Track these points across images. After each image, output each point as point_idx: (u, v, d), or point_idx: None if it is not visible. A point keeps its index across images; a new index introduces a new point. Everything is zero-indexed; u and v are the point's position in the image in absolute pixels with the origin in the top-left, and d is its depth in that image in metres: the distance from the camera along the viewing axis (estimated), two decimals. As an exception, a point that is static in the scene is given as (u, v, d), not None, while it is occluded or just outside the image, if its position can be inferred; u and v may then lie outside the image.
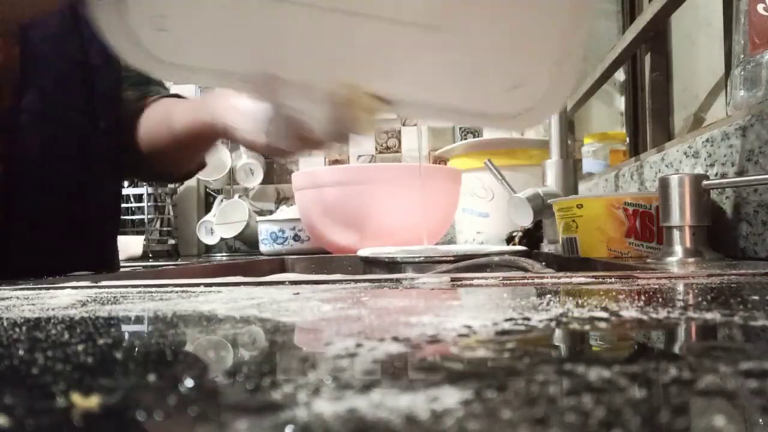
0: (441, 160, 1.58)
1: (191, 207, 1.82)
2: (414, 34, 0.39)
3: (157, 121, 0.71)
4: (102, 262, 0.70)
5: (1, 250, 0.59)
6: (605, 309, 0.23)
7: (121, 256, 0.82)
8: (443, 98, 0.44)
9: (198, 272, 0.78)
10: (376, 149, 1.74)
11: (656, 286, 0.31)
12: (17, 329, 0.21)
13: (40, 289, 0.38)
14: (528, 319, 0.21)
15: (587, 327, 0.19)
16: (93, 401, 0.12)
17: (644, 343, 0.18)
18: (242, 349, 0.18)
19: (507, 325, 0.20)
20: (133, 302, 0.29)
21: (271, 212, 1.67)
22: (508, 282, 0.35)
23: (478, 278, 0.37)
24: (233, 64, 0.43)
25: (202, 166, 0.79)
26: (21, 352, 0.17)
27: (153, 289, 0.36)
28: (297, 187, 1.16)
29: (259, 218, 1.45)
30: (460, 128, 1.69)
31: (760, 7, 0.55)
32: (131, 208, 1.73)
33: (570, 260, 0.68)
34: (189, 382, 0.13)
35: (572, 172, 0.89)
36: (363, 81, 0.43)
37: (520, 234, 0.98)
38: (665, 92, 1.09)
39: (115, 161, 0.71)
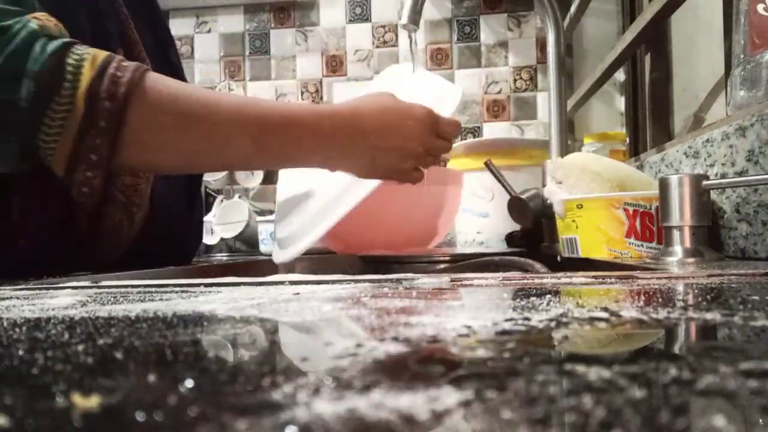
0: (441, 161, 1.58)
1: (191, 207, 1.82)
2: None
3: None
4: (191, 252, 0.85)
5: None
6: (605, 309, 0.23)
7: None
8: None
9: (198, 272, 0.78)
10: (376, 149, 1.73)
11: (656, 286, 0.31)
12: (17, 329, 0.21)
13: (40, 289, 0.38)
14: (528, 319, 0.21)
15: (587, 327, 0.19)
16: (93, 401, 0.12)
17: (644, 343, 0.18)
18: (242, 349, 0.18)
19: (507, 325, 0.20)
20: (133, 302, 0.29)
21: (271, 212, 1.67)
22: (508, 282, 0.35)
23: (478, 278, 0.37)
24: None
25: None
26: (21, 352, 0.17)
27: (153, 289, 0.36)
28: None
29: (259, 218, 1.45)
30: (461, 128, 1.69)
31: (760, 7, 0.55)
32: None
33: (570, 260, 0.68)
34: (189, 382, 0.13)
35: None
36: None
37: (520, 234, 0.98)
38: (665, 92, 1.09)
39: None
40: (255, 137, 0.55)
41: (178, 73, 0.78)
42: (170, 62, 0.76)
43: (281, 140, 0.56)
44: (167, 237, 0.72)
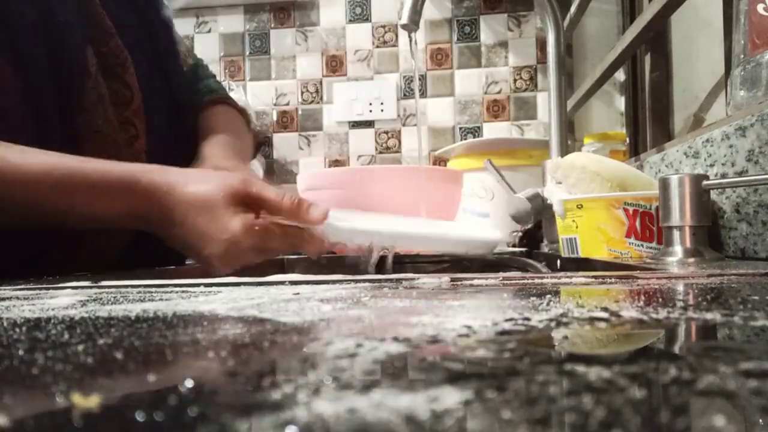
0: (441, 161, 1.58)
1: (191, 207, 1.82)
2: None
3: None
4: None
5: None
6: (605, 309, 0.23)
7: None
8: None
9: (198, 272, 0.78)
10: (376, 149, 1.74)
11: (656, 286, 0.31)
12: (17, 329, 0.21)
13: (40, 289, 0.38)
14: (528, 319, 0.21)
15: (587, 327, 0.19)
16: (93, 401, 0.12)
17: (644, 343, 0.18)
18: (242, 349, 0.18)
19: (507, 325, 0.20)
20: (133, 302, 0.29)
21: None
22: (508, 282, 0.35)
23: (478, 278, 0.37)
24: None
25: None
26: (21, 352, 0.17)
27: (153, 289, 0.36)
28: (303, 189, 1.17)
29: (259, 218, 1.45)
30: (460, 128, 1.69)
31: (760, 7, 0.55)
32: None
33: (570, 260, 0.68)
34: (189, 382, 0.13)
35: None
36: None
37: (520, 234, 0.98)
38: (665, 92, 1.09)
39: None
40: (60, 199, 0.53)
41: (168, 61, 0.76)
42: (157, 50, 0.75)
43: (89, 202, 0.54)
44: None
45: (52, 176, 0.52)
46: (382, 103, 1.70)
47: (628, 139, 1.22)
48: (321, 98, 1.74)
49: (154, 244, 0.68)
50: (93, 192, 0.53)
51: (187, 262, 0.84)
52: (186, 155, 0.77)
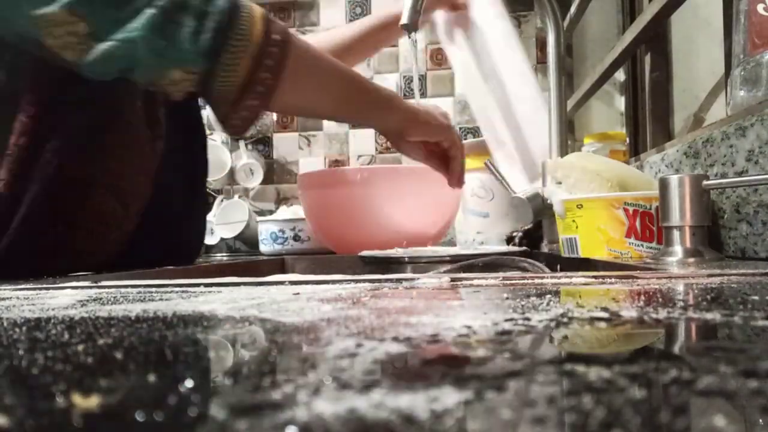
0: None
1: (191, 207, 1.81)
2: None
3: None
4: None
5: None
6: (605, 309, 0.23)
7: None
8: None
9: (198, 272, 0.78)
10: (376, 149, 1.73)
11: (656, 286, 0.31)
12: (17, 329, 0.21)
13: (40, 289, 0.38)
14: (528, 319, 0.21)
15: (587, 327, 0.19)
16: (93, 401, 0.12)
17: (644, 343, 0.18)
18: (242, 349, 0.18)
19: (507, 325, 0.20)
20: (133, 302, 0.29)
21: (271, 212, 1.67)
22: (508, 282, 0.35)
23: (478, 278, 0.37)
24: None
25: None
26: (21, 352, 0.17)
27: (153, 289, 0.36)
28: (303, 187, 1.17)
29: (259, 218, 1.45)
30: (460, 128, 1.69)
31: (760, 7, 0.55)
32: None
33: (570, 260, 0.68)
34: (189, 382, 0.13)
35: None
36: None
37: (520, 234, 0.98)
38: (665, 92, 1.09)
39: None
40: (350, 91, 0.71)
41: None
42: None
43: (365, 99, 0.74)
44: (166, 236, 0.72)
45: (343, 70, 0.69)
46: (382, 103, 1.70)
47: (628, 139, 1.22)
48: (321, 98, 1.74)
49: (152, 245, 0.68)
50: (368, 91, 0.73)
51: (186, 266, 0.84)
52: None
